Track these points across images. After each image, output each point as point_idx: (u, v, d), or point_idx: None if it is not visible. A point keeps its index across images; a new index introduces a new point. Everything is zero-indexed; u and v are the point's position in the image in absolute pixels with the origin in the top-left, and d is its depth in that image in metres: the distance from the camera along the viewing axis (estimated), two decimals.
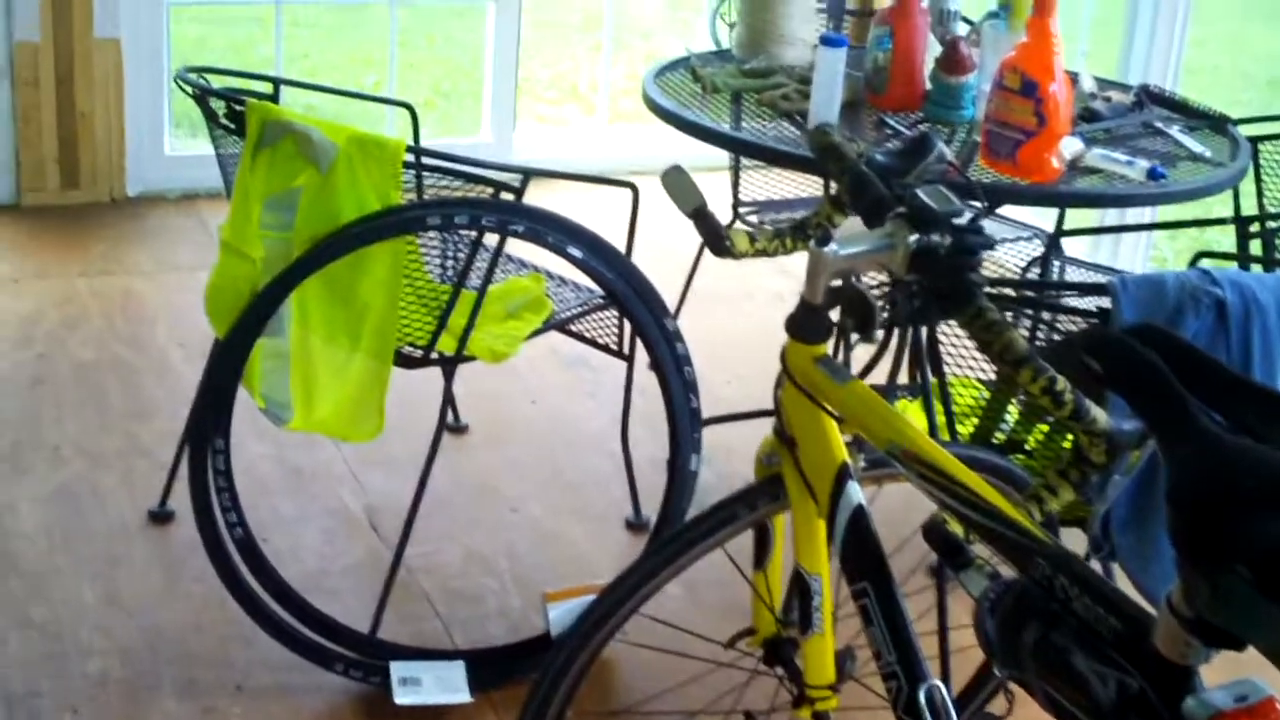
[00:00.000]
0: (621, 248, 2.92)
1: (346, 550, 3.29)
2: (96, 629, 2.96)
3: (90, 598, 3.06)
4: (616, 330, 3.28)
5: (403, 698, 2.79)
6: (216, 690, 2.83)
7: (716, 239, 2.09)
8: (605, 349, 3.33)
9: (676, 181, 2.14)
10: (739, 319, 4.58)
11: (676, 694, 2.66)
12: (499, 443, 3.78)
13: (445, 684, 2.84)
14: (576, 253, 2.79)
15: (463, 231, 2.93)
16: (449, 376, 2.96)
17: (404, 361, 2.93)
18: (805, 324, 2.06)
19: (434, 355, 2.93)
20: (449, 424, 3.73)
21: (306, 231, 2.75)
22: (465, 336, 2.91)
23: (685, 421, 2.88)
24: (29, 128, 4.86)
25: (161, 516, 3.33)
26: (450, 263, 3.17)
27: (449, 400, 3.01)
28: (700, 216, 2.11)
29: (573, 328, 3.28)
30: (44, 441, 3.60)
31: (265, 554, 2.87)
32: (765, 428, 2.21)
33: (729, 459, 3.70)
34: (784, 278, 4.77)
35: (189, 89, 3.03)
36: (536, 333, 3.10)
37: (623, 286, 2.83)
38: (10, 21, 4.77)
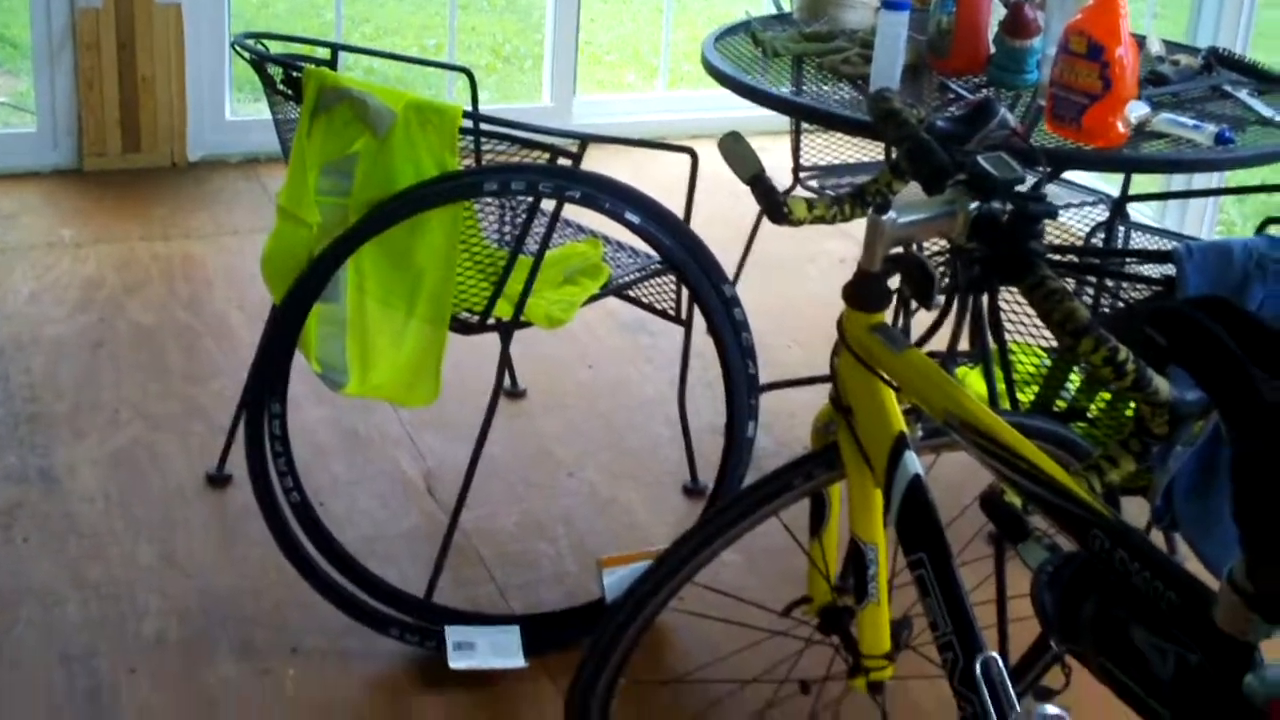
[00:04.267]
0: (680, 213, 2.89)
1: (402, 515, 3.29)
2: (154, 590, 2.98)
3: (148, 559, 3.07)
4: (674, 295, 3.26)
5: (457, 662, 2.79)
6: (272, 652, 2.84)
7: (774, 206, 2.07)
8: (663, 314, 3.30)
9: (734, 148, 2.12)
10: (799, 284, 4.55)
11: (731, 662, 2.65)
12: (556, 408, 3.77)
13: (500, 649, 2.84)
14: (634, 218, 2.77)
15: (520, 197, 2.92)
16: (506, 342, 2.95)
17: (460, 327, 2.92)
18: (863, 292, 2.04)
19: (490, 321, 2.92)
20: (506, 388, 3.73)
21: (363, 197, 2.74)
22: (522, 302, 2.89)
23: (742, 388, 2.86)
24: (91, 93, 4.87)
25: (219, 480, 3.34)
26: (507, 228, 3.15)
27: (506, 365, 3.00)
28: (758, 183, 2.08)
29: (630, 293, 3.26)
30: (103, 404, 3.62)
31: (321, 518, 2.87)
32: (824, 394, 2.19)
33: (788, 425, 3.68)
34: (845, 241, 4.73)
35: (246, 55, 3.03)
36: (593, 298, 3.08)
37: (680, 252, 2.81)
38: None
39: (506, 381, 3.72)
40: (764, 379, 2.89)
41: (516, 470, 3.48)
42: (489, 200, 3.15)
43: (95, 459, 3.40)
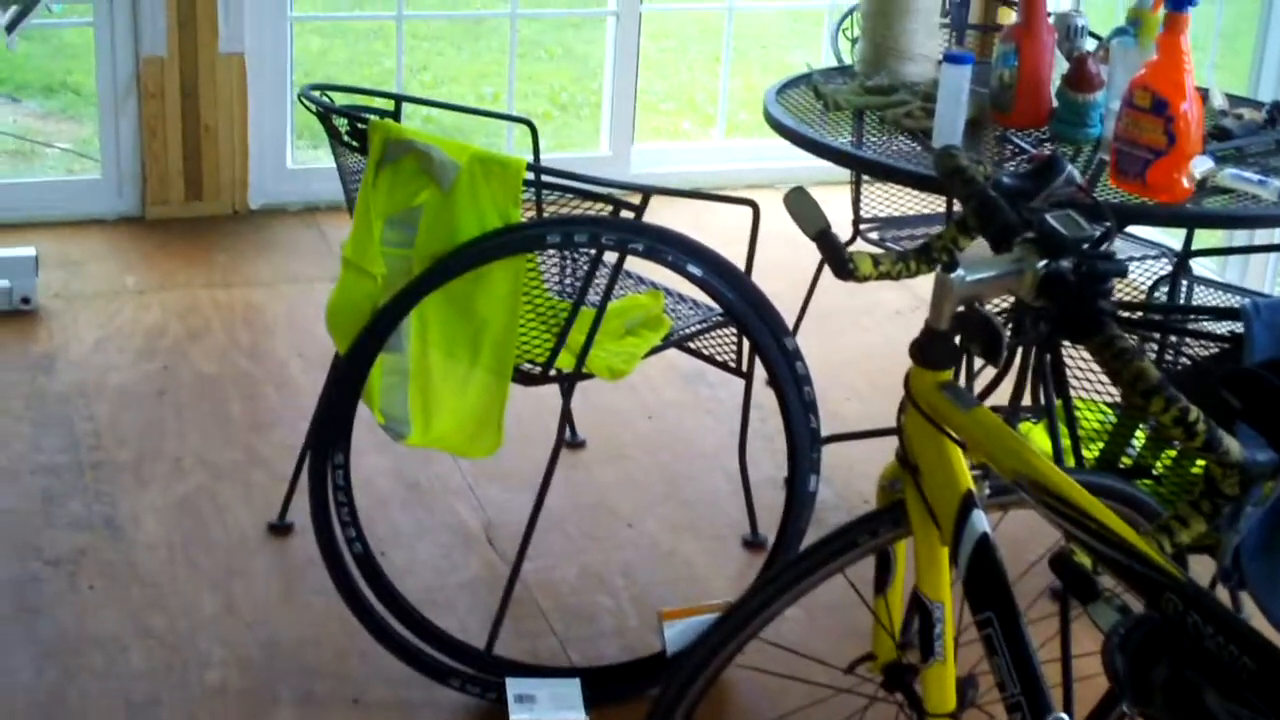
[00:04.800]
0: (741, 264, 2.90)
1: (463, 565, 3.30)
2: (216, 639, 2.99)
3: (210, 609, 3.09)
4: (735, 347, 3.26)
5: (518, 714, 2.79)
6: (333, 703, 2.85)
7: (840, 262, 2.07)
8: (723, 366, 3.31)
9: (800, 203, 2.12)
10: (858, 335, 4.55)
11: (794, 719, 2.64)
12: (615, 458, 3.78)
13: (561, 701, 2.84)
14: (696, 271, 2.77)
15: (582, 249, 2.93)
16: (567, 394, 2.96)
17: (522, 378, 2.93)
18: (931, 350, 2.03)
19: (552, 372, 2.93)
20: (566, 440, 3.73)
21: (427, 249, 2.76)
22: (584, 354, 2.91)
23: (804, 441, 2.86)
24: (155, 141, 4.93)
25: (281, 529, 3.36)
26: (569, 279, 3.17)
27: (566, 417, 3.01)
28: (824, 239, 2.08)
29: (690, 344, 3.27)
30: (166, 452, 3.65)
31: (383, 568, 2.88)
32: (885, 446, 2.19)
33: (848, 477, 3.67)
34: (902, 292, 4.73)
35: (313, 107, 3.05)
36: (654, 350, 3.10)
37: (742, 305, 2.81)
38: (138, 37, 4.84)
39: (567, 433, 3.72)
40: (823, 431, 2.89)
41: (576, 521, 3.49)
42: (551, 252, 3.16)
43: (158, 507, 3.43)
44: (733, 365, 3.29)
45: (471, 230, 2.74)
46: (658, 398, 4.08)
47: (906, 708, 2.26)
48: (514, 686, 2.84)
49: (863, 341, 4.50)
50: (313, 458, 2.80)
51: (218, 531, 3.35)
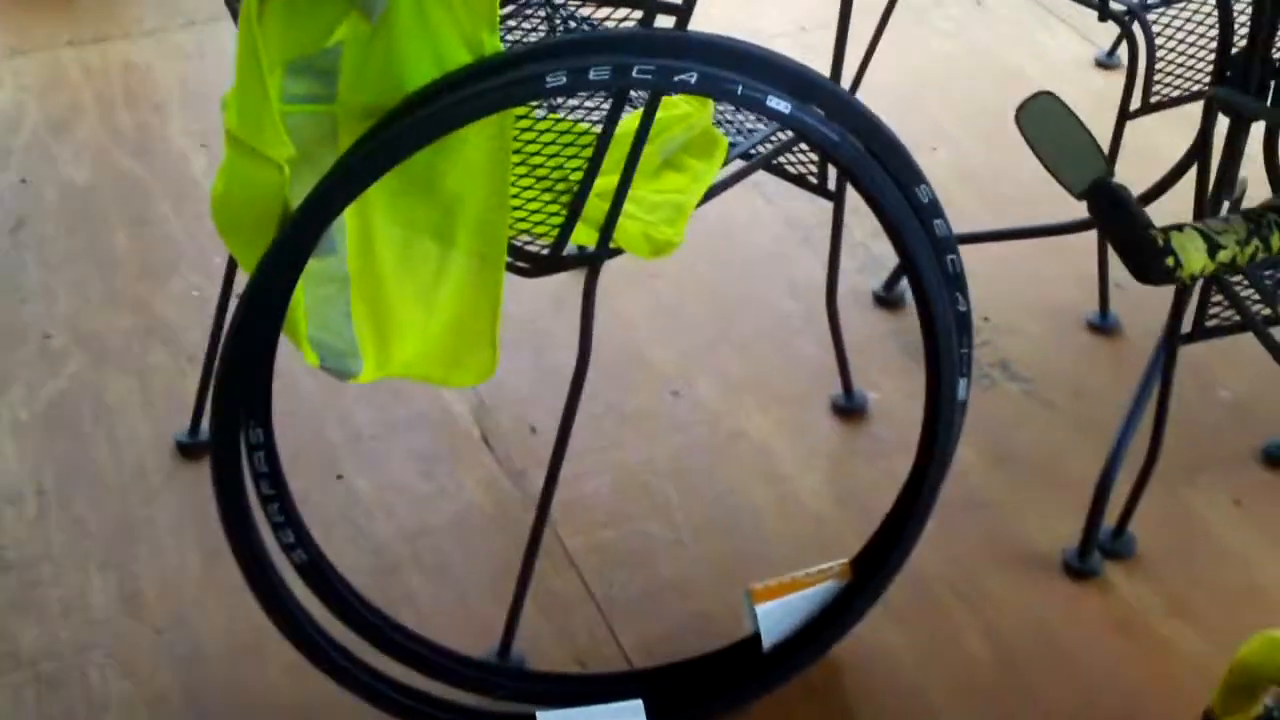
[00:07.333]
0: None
1: (454, 488, 2.36)
2: (112, 662, 2.07)
3: (100, 603, 2.16)
4: (815, 158, 2.26)
5: None
6: None
7: (1149, 254, 1.07)
8: (800, 181, 2.30)
9: (1050, 118, 1.11)
10: (930, 41, 3.49)
11: None
12: (645, 279, 2.75)
13: None
14: (781, 107, 1.74)
15: (602, 90, 1.89)
16: (589, 284, 1.98)
17: (521, 265, 1.95)
18: None
19: (566, 253, 1.94)
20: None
21: (357, 99, 1.73)
22: (610, 226, 1.91)
23: (948, 332, 1.89)
24: None
25: (194, 448, 2.40)
26: (579, 111, 2.11)
27: (589, 317, 2.01)
28: (1109, 202, 1.08)
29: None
30: (28, 325, 2.65)
31: (337, 573, 1.94)
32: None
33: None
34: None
35: None
36: (712, 193, 2.08)
37: (853, 149, 1.80)
38: None
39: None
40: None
41: (599, 387, 2.50)
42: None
43: (21, 423, 2.46)
44: (814, 180, 2.29)
45: (424, 69, 1.70)
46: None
47: None
48: None
49: (942, 51, 3.44)
50: (217, 440, 1.82)
51: (106, 460, 2.40)
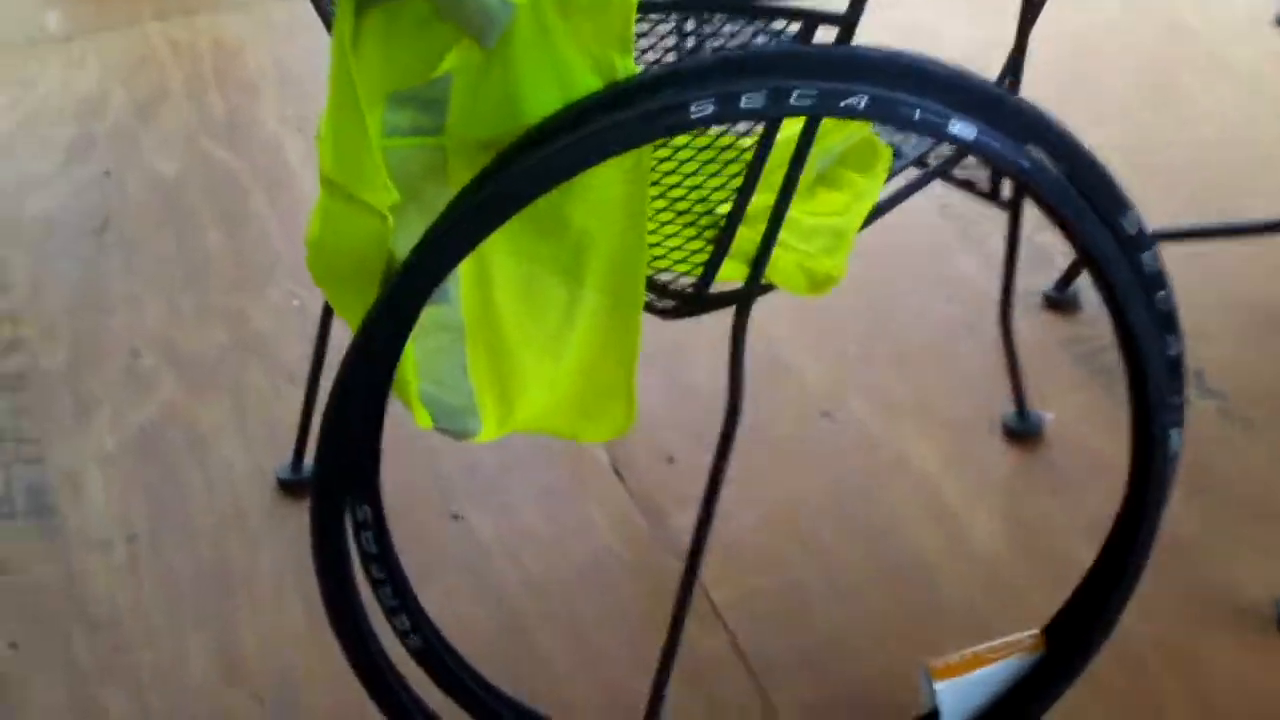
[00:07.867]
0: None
1: (585, 529, 2.12)
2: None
3: (198, 667, 1.95)
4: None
5: None
6: None
7: None
8: (969, 187, 2.03)
9: None
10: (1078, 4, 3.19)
11: None
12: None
13: None
14: (965, 131, 1.47)
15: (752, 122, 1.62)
16: (738, 326, 1.73)
17: (661, 305, 1.70)
18: None
19: (711, 292, 1.69)
20: None
21: (470, 133, 1.48)
22: (762, 260, 1.66)
23: (1159, 376, 1.63)
24: None
25: (296, 485, 2.18)
26: (715, 126, 1.83)
27: (738, 364, 1.76)
28: None
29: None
30: (114, 340, 2.44)
31: (455, 654, 1.71)
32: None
33: None
34: None
35: None
36: (878, 213, 1.82)
37: (1046, 177, 1.52)
38: None
39: None
40: None
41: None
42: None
43: (107, 456, 2.25)
44: (985, 189, 2.01)
45: (547, 97, 1.45)
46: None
47: None
48: None
49: (1091, 21, 3.13)
50: (318, 514, 1.59)
51: (200, 497, 2.18)
